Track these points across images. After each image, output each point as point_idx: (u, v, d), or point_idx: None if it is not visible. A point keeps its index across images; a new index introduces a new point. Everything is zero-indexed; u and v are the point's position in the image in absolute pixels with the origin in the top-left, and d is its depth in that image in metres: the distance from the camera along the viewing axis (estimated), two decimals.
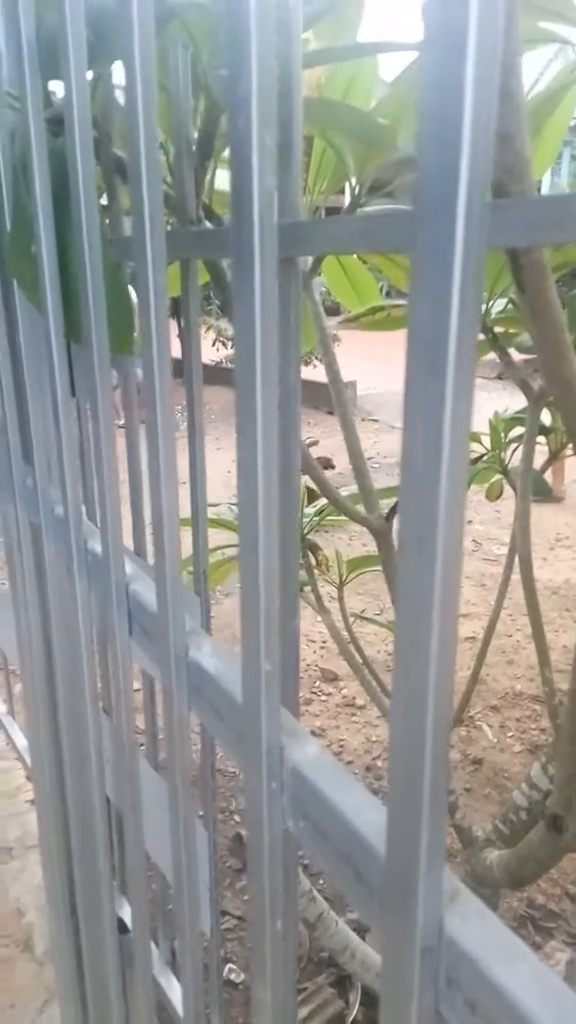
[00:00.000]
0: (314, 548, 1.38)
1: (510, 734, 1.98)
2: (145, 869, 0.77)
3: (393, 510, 0.90)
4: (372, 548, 0.95)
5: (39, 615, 0.77)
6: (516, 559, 1.10)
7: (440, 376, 0.18)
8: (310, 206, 0.96)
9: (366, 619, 1.62)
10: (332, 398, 0.87)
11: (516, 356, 0.90)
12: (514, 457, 1.37)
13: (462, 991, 0.23)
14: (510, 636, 2.48)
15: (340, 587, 1.31)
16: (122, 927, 1.05)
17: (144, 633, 0.45)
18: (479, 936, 0.22)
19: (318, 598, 1.24)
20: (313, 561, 1.29)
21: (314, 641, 2.42)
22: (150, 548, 0.47)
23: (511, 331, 0.90)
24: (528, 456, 0.98)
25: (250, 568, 0.29)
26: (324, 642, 2.39)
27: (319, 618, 2.67)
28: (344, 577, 1.28)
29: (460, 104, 0.17)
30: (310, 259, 0.86)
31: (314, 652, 2.36)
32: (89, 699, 0.76)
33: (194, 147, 0.62)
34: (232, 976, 1.31)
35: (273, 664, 0.30)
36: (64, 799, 0.92)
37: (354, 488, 0.94)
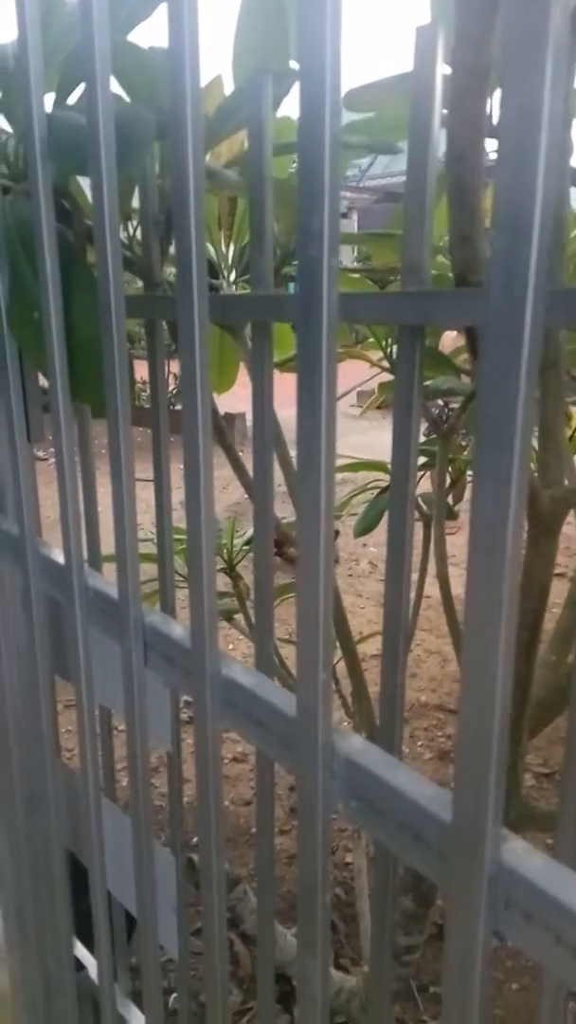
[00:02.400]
0: (237, 577, 1.45)
1: (420, 743, 2.10)
2: (107, 907, 0.80)
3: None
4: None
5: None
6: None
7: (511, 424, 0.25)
8: (234, 255, 1.04)
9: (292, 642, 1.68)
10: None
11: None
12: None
13: (519, 908, 0.30)
14: (412, 651, 2.62)
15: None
16: (78, 965, 1.05)
17: (164, 660, 0.50)
18: (530, 864, 0.30)
19: (249, 625, 1.30)
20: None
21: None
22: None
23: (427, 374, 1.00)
24: (440, 485, 1.09)
25: (310, 586, 0.35)
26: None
27: (231, 646, 2.71)
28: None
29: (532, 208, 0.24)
30: None
31: None
32: (48, 745, 0.79)
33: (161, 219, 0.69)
34: (202, 998, 1.32)
35: (327, 674, 0.36)
36: (19, 846, 0.93)
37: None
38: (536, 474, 0.59)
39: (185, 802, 0.83)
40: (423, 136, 0.40)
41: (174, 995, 1.35)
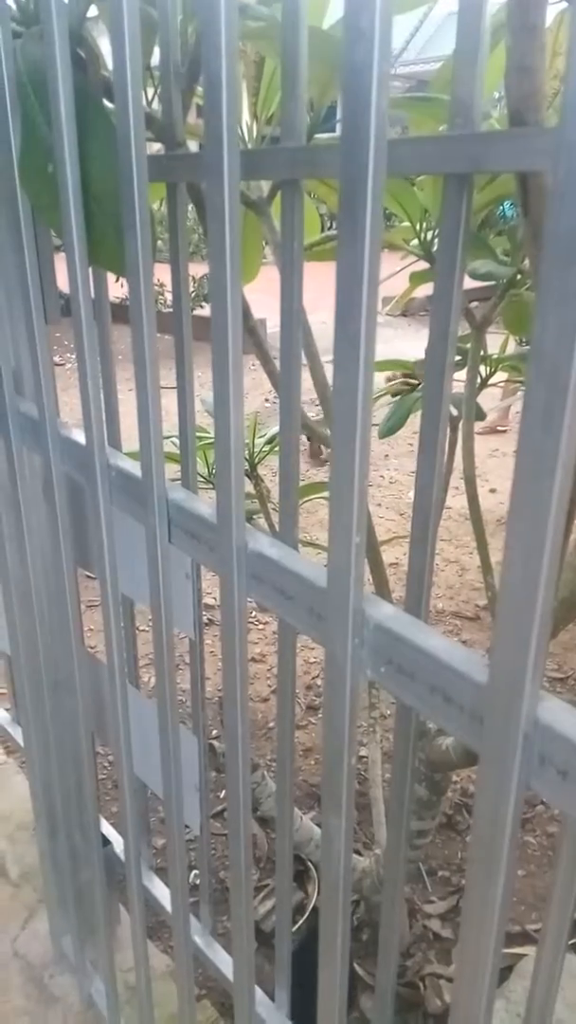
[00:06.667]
0: (258, 479, 1.43)
1: None
2: (133, 786, 0.82)
3: None
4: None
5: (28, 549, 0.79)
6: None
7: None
8: (258, 133, 0.98)
9: (312, 544, 1.68)
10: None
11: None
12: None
13: (554, 764, 0.29)
14: None
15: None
16: (104, 841, 1.10)
17: (189, 536, 0.49)
18: (569, 721, 0.29)
19: (271, 525, 1.30)
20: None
21: None
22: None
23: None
24: (471, 381, 1.05)
25: (345, 444, 0.34)
26: None
27: None
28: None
29: None
30: (265, 187, 0.87)
31: None
32: (74, 632, 0.79)
33: (183, 70, 0.63)
34: (222, 874, 1.40)
35: (362, 536, 0.35)
36: (46, 729, 0.95)
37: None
38: None
39: (205, 697, 0.84)
40: None
41: (194, 872, 1.43)
